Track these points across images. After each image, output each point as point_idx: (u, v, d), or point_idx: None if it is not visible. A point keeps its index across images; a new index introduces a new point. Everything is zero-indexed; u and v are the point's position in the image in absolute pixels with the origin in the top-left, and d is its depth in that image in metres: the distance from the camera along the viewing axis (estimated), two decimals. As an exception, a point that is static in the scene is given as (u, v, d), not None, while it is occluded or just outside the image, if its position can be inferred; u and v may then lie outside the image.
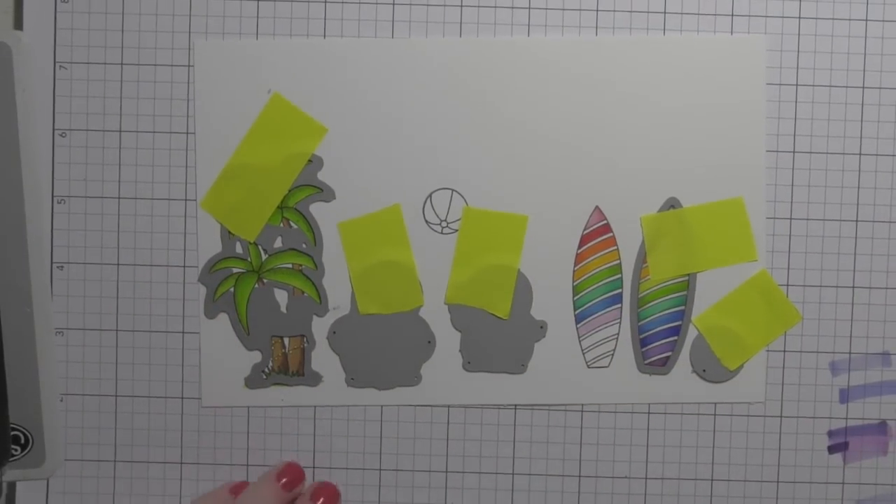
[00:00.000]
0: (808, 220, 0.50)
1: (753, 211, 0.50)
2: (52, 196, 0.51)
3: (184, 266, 0.51)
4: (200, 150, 0.50)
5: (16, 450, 0.50)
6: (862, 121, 0.50)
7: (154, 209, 0.51)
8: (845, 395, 0.51)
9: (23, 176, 0.49)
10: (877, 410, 0.51)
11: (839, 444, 0.51)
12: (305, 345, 0.51)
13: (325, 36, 0.50)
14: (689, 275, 0.51)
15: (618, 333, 0.51)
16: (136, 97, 0.50)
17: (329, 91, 0.50)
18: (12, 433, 0.50)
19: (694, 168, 0.50)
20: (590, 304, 0.51)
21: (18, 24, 0.50)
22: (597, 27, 0.50)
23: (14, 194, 0.49)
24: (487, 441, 0.51)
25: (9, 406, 0.49)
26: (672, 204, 0.50)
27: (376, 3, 0.50)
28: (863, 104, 0.50)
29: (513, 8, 0.50)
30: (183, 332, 0.51)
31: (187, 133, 0.50)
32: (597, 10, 0.50)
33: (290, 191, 0.50)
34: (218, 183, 0.50)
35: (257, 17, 0.50)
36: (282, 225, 0.51)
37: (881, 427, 0.51)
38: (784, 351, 0.51)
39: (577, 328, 0.51)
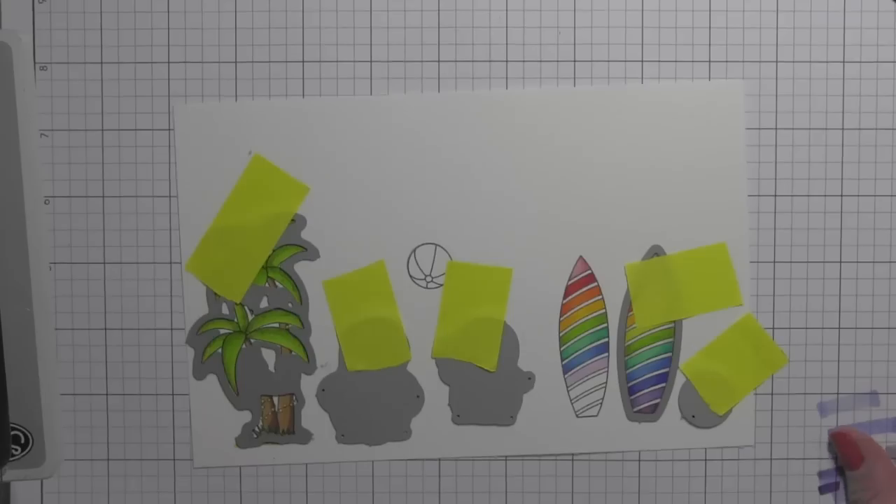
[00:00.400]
0: (791, 262, 0.51)
1: (737, 255, 0.50)
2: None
3: (171, 329, 0.51)
4: (184, 213, 0.50)
5: (16, 450, 0.51)
6: (842, 162, 0.50)
7: (140, 273, 0.51)
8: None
9: (23, 175, 0.49)
10: (867, 450, 0.51)
11: (830, 485, 0.51)
12: (295, 403, 0.51)
13: (303, 95, 0.50)
14: (675, 321, 0.51)
15: (606, 382, 0.51)
16: (118, 162, 0.50)
17: (309, 150, 0.50)
18: (12, 433, 0.50)
19: (676, 215, 0.50)
20: (577, 353, 0.51)
21: None
22: (575, 78, 0.50)
23: (14, 194, 0.49)
24: (479, 493, 0.52)
25: (9, 406, 0.50)
26: (656, 252, 0.50)
27: (354, 62, 0.50)
28: (843, 146, 0.50)
29: (490, 62, 0.50)
30: (172, 394, 0.51)
31: (170, 196, 0.51)
32: (574, 61, 0.50)
33: (274, 251, 0.50)
34: (202, 245, 0.50)
35: (236, 78, 0.50)
36: (267, 285, 0.51)
37: (872, 466, 0.51)
38: (772, 393, 0.51)
39: (564, 378, 0.51)
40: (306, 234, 0.50)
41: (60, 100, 0.50)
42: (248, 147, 0.50)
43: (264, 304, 0.51)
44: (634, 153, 0.50)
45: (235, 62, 0.50)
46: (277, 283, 0.51)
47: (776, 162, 0.50)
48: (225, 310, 0.51)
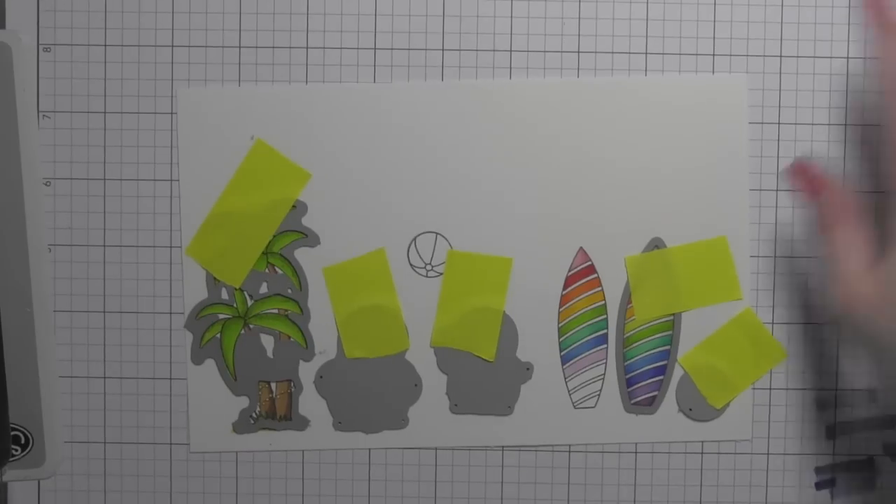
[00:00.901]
0: (791, 257, 0.51)
1: (737, 249, 0.50)
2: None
3: (170, 312, 0.51)
4: (185, 198, 0.50)
5: (16, 450, 0.50)
6: (844, 158, 0.50)
7: (139, 256, 0.51)
8: (832, 432, 0.51)
9: (23, 176, 0.49)
10: (864, 446, 0.51)
11: (827, 481, 0.51)
12: (292, 389, 0.51)
13: (306, 82, 0.50)
14: (674, 314, 0.51)
15: (604, 374, 0.51)
16: (120, 145, 0.50)
17: (312, 136, 0.50)
18: (12, 433, 0.50)
19: (677, 208, 0.50)
20: (575, 344, 0.51)
21: (1, 75, 0.50)
22: (578, 69, 0.50)
23: (15, 195, 0.49)
24: (475, 482, 0.52)
25: (9, 406, 0.49)
26: (656, 244, 0.50)
27: (357, 49, 0.50)
28: (845, 142, 0.50)
29: (494, 51, 0.50)
30: (170, 379, 0.51)
31: (171, 180, 0.51)
32: (578, 52, 0.50)
33: (274, 236, 0.50)
34: (203, 229, 0.50)
35: (239, 63, 0.50)
36: (267, 270, 0.51)
37: (868, 463, 0.51)
38: (770, 388, 0.51)
39: (563, 369, 0.51)
40: (307, 221, 0.50)
41: (63, 81, 0.50)
42: (250, 132, 0.50)
43: (264, 289, 0.51)
44: (636, 145, 0.50)
45: (239, 47, 0.50)
46: (277, 269, 0.51)
47: (778, 157, 0.50)
48: (224, 295, 0.51)
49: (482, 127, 0.50)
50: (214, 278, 0.51)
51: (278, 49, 0.50)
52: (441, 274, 0.51)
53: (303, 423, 0.51)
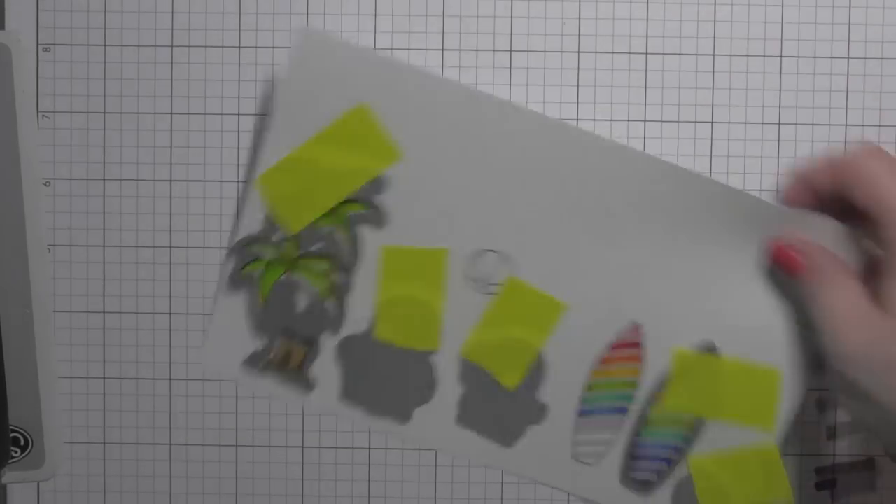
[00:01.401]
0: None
1: (787, 386, 0.49)
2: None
3: (169, 313, 0.52)
4: (274, 128, 0.48)
5: (15, 451, 0.51)
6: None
7: (139, 256, 0.51)
8: (832, 432, 0.51)
9: (23, 176, 0.49)
10: (864, 446, 0.52)
11: (827, 482, 0.52)
12: (311, 349, 0.51)
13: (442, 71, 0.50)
14: (701, 417, 0.50)
15: (614, 441, 0.50)
16: (120, 145, 0.51)
17: (418, 121, 0.48)
18: (11, 435, 0.50)
19: (736, 320, 0.49)
20: (597, 404, 0.50)
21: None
22: (578, 69, 0.50)
23: (15, 195, 0.49)
24: (475, 483, 0.52)
25: (8, 407, 0.50)
26: (708, 347, 0.49)
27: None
28: (845, 142, 0.50)
29: (494, 51, 0.50)
30: (170, 379, 0.52)
31: (171, 180, 0.51)
32: (578, 52, 0.50)
33: (345, 201, 0.49)
34: (279, 166, 0.49)
35: (239, 63, 0.50)
36: (326, 230, 0.49)
37: (869, 463, 0.52)
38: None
39: (576, 420, 0.50)
40: (382, 199, 0.49)
41: (63, 81, 0.50)
42: (361, 94, 0.48)
43: (316, 247, 0.50)
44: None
45: (239, 47, 0.50)
46: (337, 233, 0.49)
47: (778, 157, 0.50)
48: (276, 237, 0.50)
49: (582, 169, 0.48)
50: (273, 218, 0.49)
51: (278, 49, 0.50)
52: (493, 294, 0.49)
53: (309, 386, 0.51)
